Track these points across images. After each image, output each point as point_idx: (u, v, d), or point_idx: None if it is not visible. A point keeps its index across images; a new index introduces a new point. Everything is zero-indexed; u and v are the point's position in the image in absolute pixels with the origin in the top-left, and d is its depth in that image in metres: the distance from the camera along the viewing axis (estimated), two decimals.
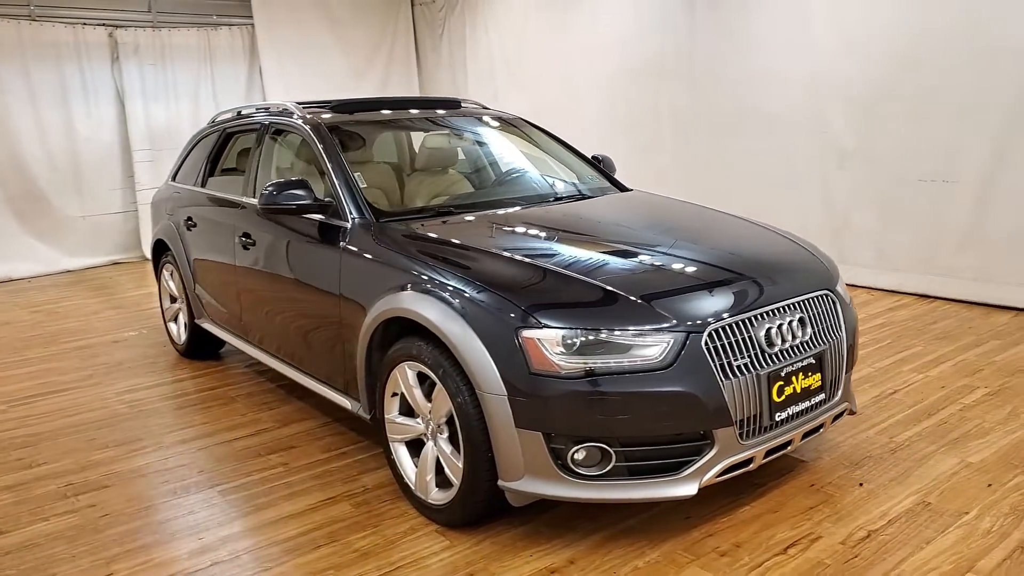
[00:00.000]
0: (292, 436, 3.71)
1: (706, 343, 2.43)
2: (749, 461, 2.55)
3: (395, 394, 2.96)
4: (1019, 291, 5.22)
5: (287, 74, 9.80)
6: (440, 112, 4.24)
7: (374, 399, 3.09)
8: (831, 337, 2.80)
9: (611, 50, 7.93)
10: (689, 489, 2.45)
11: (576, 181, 3.99)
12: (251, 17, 9.60)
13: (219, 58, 9.62)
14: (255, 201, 3.93)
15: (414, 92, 10.89)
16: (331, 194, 3.40)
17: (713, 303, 2.54)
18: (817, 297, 2.82)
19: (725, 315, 2.52)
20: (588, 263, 2.75)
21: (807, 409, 2.70)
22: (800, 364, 2.64)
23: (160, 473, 3.38)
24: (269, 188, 3.37)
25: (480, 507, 2.67)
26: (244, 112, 4.59)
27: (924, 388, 3.91)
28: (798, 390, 2.64)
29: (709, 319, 2.48)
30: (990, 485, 2.93)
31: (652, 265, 2.78)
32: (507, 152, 4.14)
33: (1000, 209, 5.33)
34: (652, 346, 2.40)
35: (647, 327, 2.41)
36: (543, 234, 3.12)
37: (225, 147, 4.70)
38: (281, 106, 4.14)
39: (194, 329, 4.83)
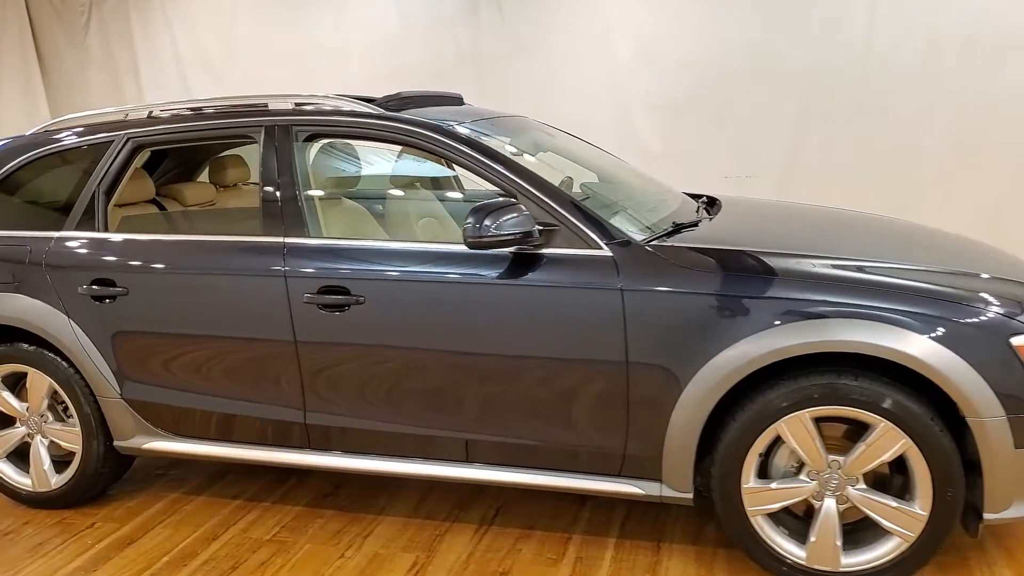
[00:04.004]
0: (476, 560, 2.64)
1: None
2: None
3: (762, 455, 2.36)
4: None
5: None
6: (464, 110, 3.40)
7: (693, 473, 2.42)
8: None
9: (371, 53, 7.20)
10: None
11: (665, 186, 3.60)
12: None
13: None
14: (348, 242, 2.69)
15: (37, 94, 8.31)
16: (541, 216, 2.50)
17: None
18: None
19: None
20: (935, 260, 2.56)
21: None
22: None
23: None
24: (472, 219, 2.37)
25: (934, 553, 2.31)
26: (181, 113, 3.03)
27: None
28: None
29: None
30: None
31: (984, 258, 2.73)
32: (589, 158, 3.50)
33: (795, 199, 6.39)
34: None
35: None
36: (839, 239, 2.78)
37: (128, 167, 3.04)
38: (312, 102, 2.88)
39: (107, 457, 3.04)
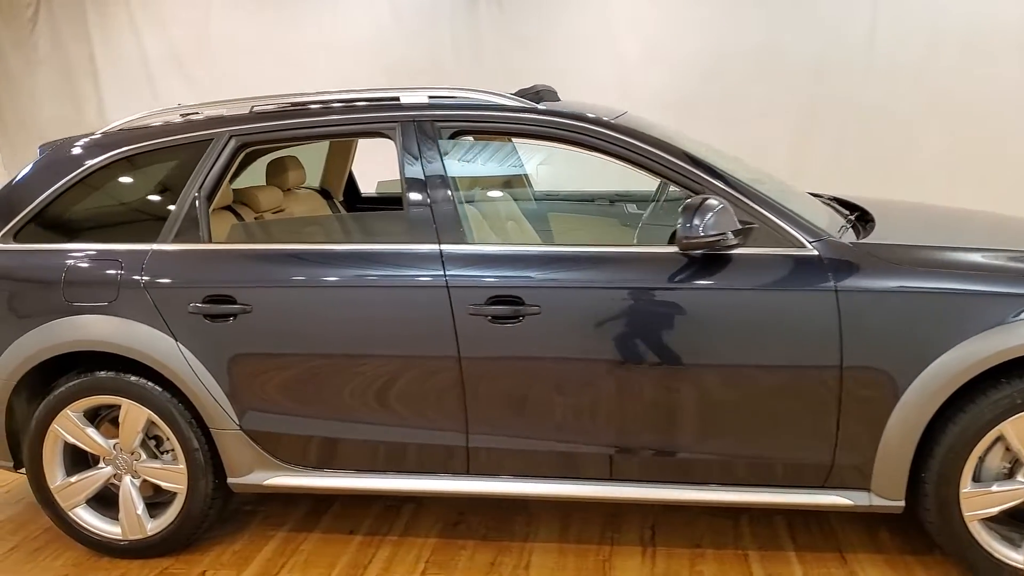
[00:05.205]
0: None
1: None
2: None
3: (981, 458, 2.28)
4: None
5: None
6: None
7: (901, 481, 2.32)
8: None
9: (361, 50, 6.88)
10: None
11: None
12: None
13: None
14: (518, 247, 2.47)
15: None
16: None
17: None
18: None
19: None
20: None
21: None
22: None
23: None
24: (683, 219, 2.22)
25: None
26: (291, 109, 2.72)
27: None
28: None
29: None
30: None
31: None
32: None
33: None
34: None
35: None
36: (983, 231, 2.76)
37: (230, 168, 2.71)
38: (449, 96, 2.64)
39: (215, 497, 2.69)
